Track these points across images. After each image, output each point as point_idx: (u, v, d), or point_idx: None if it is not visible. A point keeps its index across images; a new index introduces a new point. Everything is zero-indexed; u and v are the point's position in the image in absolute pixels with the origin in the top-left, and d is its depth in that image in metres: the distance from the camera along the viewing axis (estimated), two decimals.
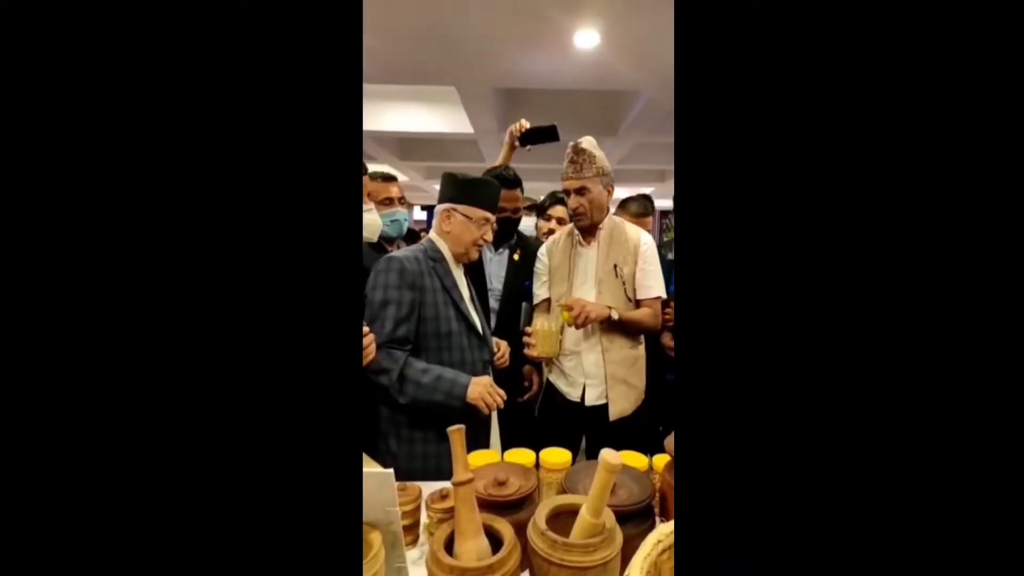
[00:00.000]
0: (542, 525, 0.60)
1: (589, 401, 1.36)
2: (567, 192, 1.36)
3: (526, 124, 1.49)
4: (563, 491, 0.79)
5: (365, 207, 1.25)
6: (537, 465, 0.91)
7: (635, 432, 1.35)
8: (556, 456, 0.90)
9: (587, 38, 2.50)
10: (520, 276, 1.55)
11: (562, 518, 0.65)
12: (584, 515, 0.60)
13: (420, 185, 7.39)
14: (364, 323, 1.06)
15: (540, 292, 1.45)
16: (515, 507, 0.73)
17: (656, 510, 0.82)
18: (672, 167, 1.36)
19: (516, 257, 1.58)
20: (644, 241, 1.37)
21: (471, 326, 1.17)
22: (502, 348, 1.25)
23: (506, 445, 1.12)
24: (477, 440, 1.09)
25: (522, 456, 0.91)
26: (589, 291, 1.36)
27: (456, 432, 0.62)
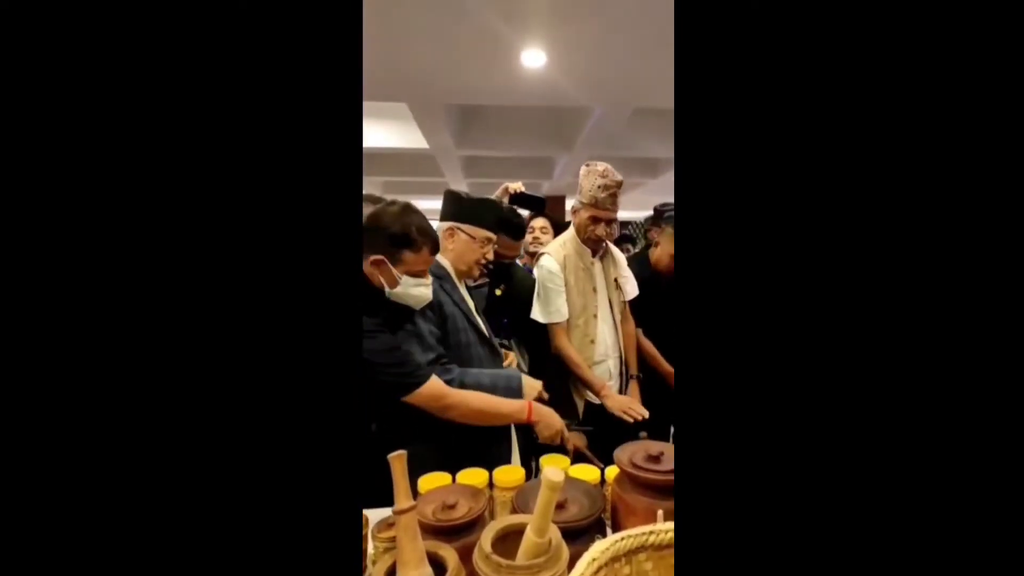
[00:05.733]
0: (487, 548, 0.59)
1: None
2: (596, 220, 1.43)
3: (521, 187, 1.55)
4: (515, 510, 0.78)
5: (424, 280, 1.07)
6: (491, 484, 0.90)
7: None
8: (509, 474, 0.89)
9: (534, 57, 2.56)
10: (500, 312, 1.52)
11: (511, 539, 0.64)
12: (529, 535, 0.59)
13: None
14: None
15: (563, 309, 1.44)
16: (464, 531, 0.72)
17: (608, 522, 0.83)
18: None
19: (498, 292, 1.54)
20: (620, 254, 1.63)
21: (483, 337, 1.20)
22: (510, 358, 1.32)
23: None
24: (500, 455, 1.14)
25: (474, 476, 0.90)
26: (604, 300, 1.52)
27: (396, 459, 0.60)
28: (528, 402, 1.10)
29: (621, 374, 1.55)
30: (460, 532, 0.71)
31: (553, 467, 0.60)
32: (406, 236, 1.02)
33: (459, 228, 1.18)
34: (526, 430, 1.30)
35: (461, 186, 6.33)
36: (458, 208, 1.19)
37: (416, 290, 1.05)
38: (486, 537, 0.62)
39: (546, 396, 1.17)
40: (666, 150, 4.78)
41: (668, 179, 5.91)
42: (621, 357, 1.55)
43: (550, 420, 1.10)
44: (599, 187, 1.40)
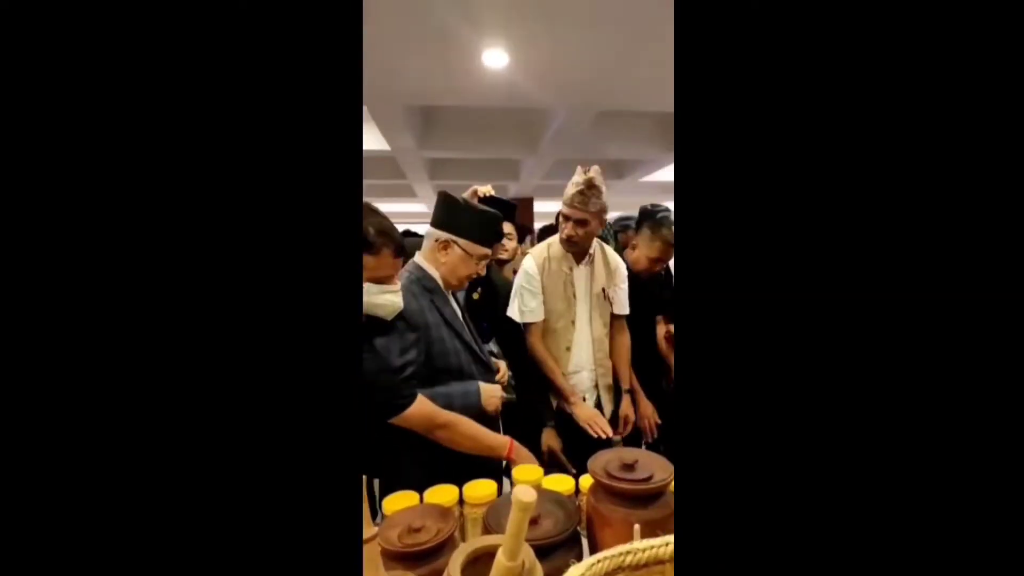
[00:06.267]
0: (456, 574, 0.55)
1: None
2: (566, 217, 1.36)
3: (491, 191, 1.50)
4: (487, 528, 0.75)
5: (392, 287, 1.02)
6: (461, 500, 0.86)
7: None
8: (479, 489, 0.86)
9: (495, 57, 2.54)
10: (478, 316, 1.48)
11: (483, 561, 0.60)
12: (500, 558, 0.55)
13: None
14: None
15: (538, 310, 1.41)
16: (432, 555, 0.68)
17: (583, 534, 0.80)
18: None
19: (475, 296, 1.50)
20: (621, 264, 1.54)
21: (474, 353, 1.15)
22: (502, 370, 1.29)
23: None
24: (490, 459, 1.11)
25: (443, 494, 0.86)
26: (584, 308, 1.46)
27: None
28: (510, 440, 1.08)
29: (596, 388, 1.51)
30: (427, 557, 0.67)
31: (524, 486, 0.56)
32: (363, 238, 0.96)
33: (456, 242, 1.10)
34: (511, 427, 1.30)
35: (426, 188, 6.25)
36: (457, 220, 1.10)
37: (382, 298, 0.99)
38: (455, 562, 0.58)
39: (498, 407, 1.17)
40: (631, 152, 4.85)
41: (633, 180, 6.01)
42: (597, 371, 1.50)
43: (526, 462, 1.09)
44: (572, 183, 1.38)
